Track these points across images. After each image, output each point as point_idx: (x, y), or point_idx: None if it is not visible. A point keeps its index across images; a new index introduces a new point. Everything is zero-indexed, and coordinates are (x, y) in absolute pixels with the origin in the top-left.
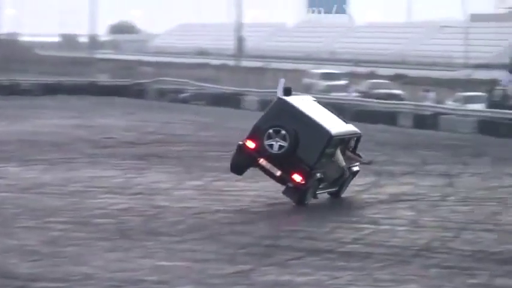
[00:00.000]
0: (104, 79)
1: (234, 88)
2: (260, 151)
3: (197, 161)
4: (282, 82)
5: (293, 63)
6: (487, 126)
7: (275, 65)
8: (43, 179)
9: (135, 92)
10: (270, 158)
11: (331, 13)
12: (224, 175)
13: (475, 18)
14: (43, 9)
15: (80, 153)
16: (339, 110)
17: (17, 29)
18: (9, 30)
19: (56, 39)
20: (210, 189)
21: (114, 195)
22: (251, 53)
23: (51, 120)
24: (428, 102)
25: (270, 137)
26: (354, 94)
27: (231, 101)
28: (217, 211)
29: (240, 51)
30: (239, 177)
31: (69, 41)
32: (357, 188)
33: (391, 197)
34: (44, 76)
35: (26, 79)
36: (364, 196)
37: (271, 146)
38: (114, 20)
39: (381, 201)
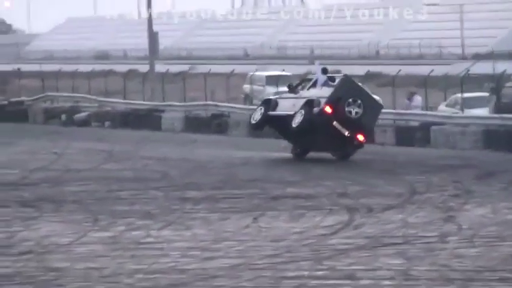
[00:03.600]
0: None
1: (149, 103)
2: (335, 115)
3: (104, 205)
4: (318, 63)
5: (228, 64)
6: (495, 139)
7: (203, 68)
8: None
9: (14, 113)
10: (342, 121)
11: None
12: (141, 222)
13: None
14: None
15: None
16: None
17: None
18: None
19: None
20: (123, 243)
21: None
22: (169, 53)
23: None
24: (415, 109)
25: (349, 105)
26: None
27: (146, 120)
28: (136, 271)
29: (153, 52)
30: (160, 225)
31: None
32: (323, 231)
33: (371, 240)
34: None
35: None
36: (334, 241)
37: (349, 112)
38: None
39: (358, 247)
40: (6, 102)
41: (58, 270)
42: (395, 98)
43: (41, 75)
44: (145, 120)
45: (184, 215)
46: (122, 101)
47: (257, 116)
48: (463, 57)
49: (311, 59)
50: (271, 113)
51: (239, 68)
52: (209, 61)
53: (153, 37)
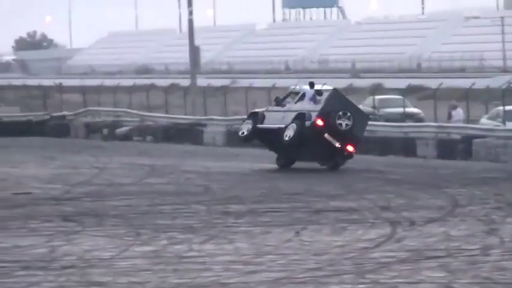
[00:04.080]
0: (9, 113)
1: (190, 117)
2: (326, 128)
3: (146, 219)
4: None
5: (269, 78)
6: None
7: (245, 81)
8: None
9: (55, 128)
10: (333, 133)
11: (314, 7)
12: (183, 236)
13: None
14: None
15: None
16: None
17: None
18: None
19: None
20: (165, 257)
21: (35, 271)
22: (211, 67)
23: None
24: (457, 122)
25: (339, 118)
26: None
27: (188, 134)
28: (179, 286)
29: (195, 66)
30: (202, 239)
31: None
32: (365, 244)
33: (414, 253)
34: None
35: None
36: (377, 254)
37: (340, 124)
38: (20, 32)
39: (401, 260)
40: (48, 116)
41: (100, 284)
42: (437, 111)
43: (83, 90)
44: (187, 134)
45: (226, 229)
46: (164, 115)
47: (245, 129)
48: (504, 70)
49: (353, 72)
50: (260, 126)
51: (280, 82)
52: (250, 75)
53: (194, 51)
